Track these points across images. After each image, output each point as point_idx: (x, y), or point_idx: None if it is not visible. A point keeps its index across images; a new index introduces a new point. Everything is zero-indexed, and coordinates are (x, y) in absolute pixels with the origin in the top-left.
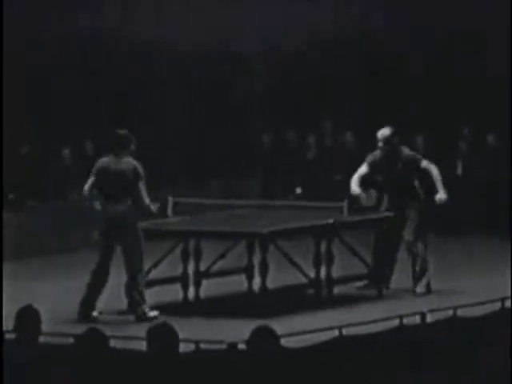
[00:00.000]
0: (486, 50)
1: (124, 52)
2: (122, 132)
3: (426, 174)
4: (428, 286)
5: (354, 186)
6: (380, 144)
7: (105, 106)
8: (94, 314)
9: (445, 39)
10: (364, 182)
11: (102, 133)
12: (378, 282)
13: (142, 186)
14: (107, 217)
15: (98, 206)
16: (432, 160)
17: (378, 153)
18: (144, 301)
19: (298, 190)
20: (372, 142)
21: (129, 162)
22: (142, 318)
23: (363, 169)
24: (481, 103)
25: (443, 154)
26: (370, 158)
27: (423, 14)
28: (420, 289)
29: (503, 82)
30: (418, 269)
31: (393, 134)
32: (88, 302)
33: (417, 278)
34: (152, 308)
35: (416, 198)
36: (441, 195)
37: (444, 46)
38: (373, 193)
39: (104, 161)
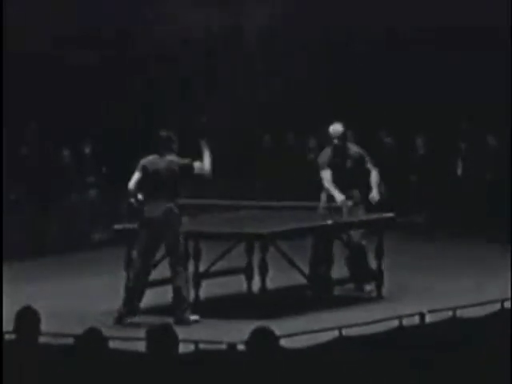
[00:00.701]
0: (486, 50)
1: (124, 52)
2: (165, 133)
3: (367, 174)
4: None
5: (337, 194)
6: (335, 141)
7: (106, 106)
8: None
9: (444, 39)
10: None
11: (101, 132)
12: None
13: (192, 165)
14: (151, 215)
15: (140, 203)
16: (432, 160)
17: (328, 150)
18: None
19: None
20: (372, 142)
21: (172, 160)
22: (181, 319)
23: (327, 171)
24: (481, 103)
25: (443, 154)
26: (323, 158)
27: (423, 13)
28: (367, 287)
29: (503, 82)
30: (363, 268)
31: (345, 130)
32: (131, 304)
33: (363, 278)
34: (152, 308)
35: (362, 196)
36: (373, 195)
37: (444, 46)
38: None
39: (149, 159)
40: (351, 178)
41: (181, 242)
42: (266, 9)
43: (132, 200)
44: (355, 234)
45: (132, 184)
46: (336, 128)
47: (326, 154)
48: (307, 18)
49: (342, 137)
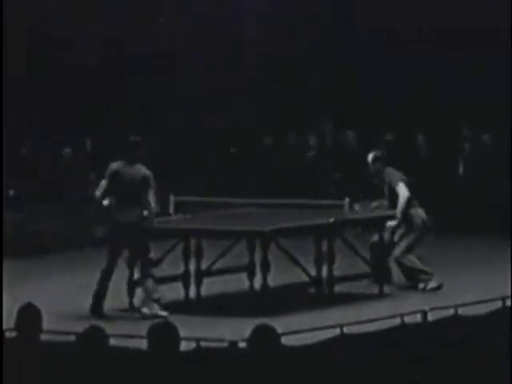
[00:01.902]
0: (485, 50)
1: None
2: (133, 139)
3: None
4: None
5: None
6: (371, 169)
7: (106, 106)
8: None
9: (444, 39)
10: None
11: (101, 133)
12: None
13: (151, 194)
14: (117, 222)
15: (106, 210)
16: (432, 160)
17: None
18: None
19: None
20: (372, 142)
21: (140, 168)
22: (146, 315)
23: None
24: (481, 103)
25: (443, 153)
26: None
27: (423, 12)
28: (430, 284)
29: (503, 82)
30: (412, 274)
31: (375, 158)
32: (97, 299)
33: (420, 279)
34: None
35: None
36: (390, 222)
37: (444, 45)
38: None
39: (116, 166)
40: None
41: (146, 244)
42: (265, 8)
43: (97, 208)
44: (396, 249)
45: (99, 192)
46: (370, 156)
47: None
48: (307, 18)
49: (376, 164)
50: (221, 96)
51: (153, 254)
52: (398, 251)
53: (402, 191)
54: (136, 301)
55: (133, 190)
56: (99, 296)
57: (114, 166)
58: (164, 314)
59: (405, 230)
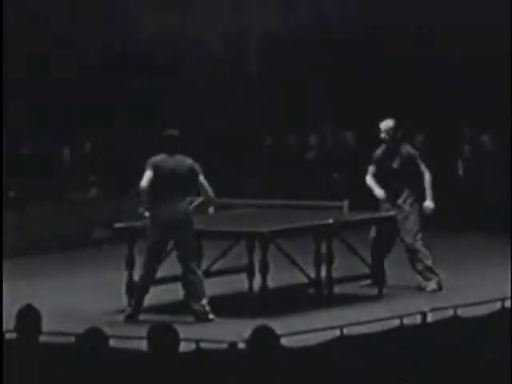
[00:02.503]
0: (485, 50)
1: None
2: (172, 132)
3: (419, 176)
4: (439, 282)
5: (377, 189)
6: (382, 135)
7: (105, 106)
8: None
9: (444, 39)
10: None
11: (101, 133)
12: (378, 280)
13: (204, 180)
14: (164, 215)
15: (147, 203)
16: (432, 160)
17: (380, 148)
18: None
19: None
20: (372, 142)
21: (184, 159)
22: (199, 313)
23: (371, 168)
24: (481, 103)
25: (443, 153)
26: (374, 155)
27: (422, 12)
28: (430, 286)
29: (503, 82)
30: (420, 267)
31: (395, 127)
32: (139, 304)
33: (424, 276)
34: (153, 306)
35: (411, 196)
36: (428, 204)
37: (443, 45)
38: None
39: (159, 159)
40: (399, 179)
41: (192, 240)
42: (268, 12)
43: (141, 208)
44: (407, 237)
45: (145, 182)
46: (385, 122)
47: (378, 150)
48: (307, 18)
49: (389, 133)
50: (221, 96)
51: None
52: (410, 238)
53: (427, 172)
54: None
55: (178, 181)
56: (140, 300)
57: (155, 159)
58: (212, 316)
59: (418, 214)
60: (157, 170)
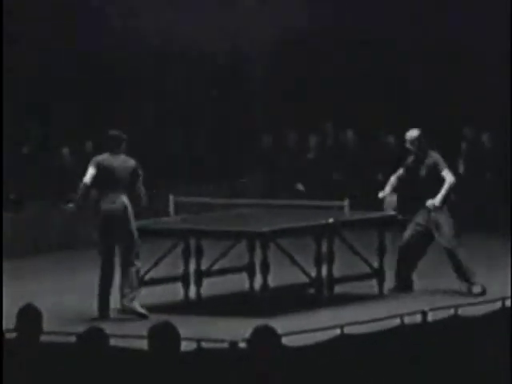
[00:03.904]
0: (485, 50)
1: (124, 52)
2: (115, 132)
3: (441, 181)
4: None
5: (386, 188)
6: (407, 145)
7: (105, 106)
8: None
9: (444, 39)
10: (399, 184)
11: (101, 132)
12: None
13: (141, 182)
14: (104, 211)
15: (87, 200)
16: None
17: (411, 157)
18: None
19: (300, 187)
20: (372, 142)
21: (126, 159)
22: (128, 310)
23: (400, 171)
24: (481, 103)
25: (443, 153)
26: (406, 162)
27: (422, 12)
28: (476, 289)
29: (503, 82)
30: (463, 271)
31: (419, 137)
32: (103, 300)
33: (467, 280)
34: (154, 306)
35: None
36: (433, 201)
37: (443, 45)
38: (393, 197)
39: (102, 158)
40: (427, 187)
41: (136, 234)
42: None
43: (75, 200)
44: (441, 239)
45: (88, 179)
46: (409, 133)
47: (410, 158)
48: (307, 18)
49: (415, 142)
50: (221, 96)
51: (139, 249)
52: (448, 242)
53: (450, 176)
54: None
55: (119, 179)
56: (104, 296)
57: (99, 157)
58: (144, 312)
59: (449, 216)
60: (99, 167)
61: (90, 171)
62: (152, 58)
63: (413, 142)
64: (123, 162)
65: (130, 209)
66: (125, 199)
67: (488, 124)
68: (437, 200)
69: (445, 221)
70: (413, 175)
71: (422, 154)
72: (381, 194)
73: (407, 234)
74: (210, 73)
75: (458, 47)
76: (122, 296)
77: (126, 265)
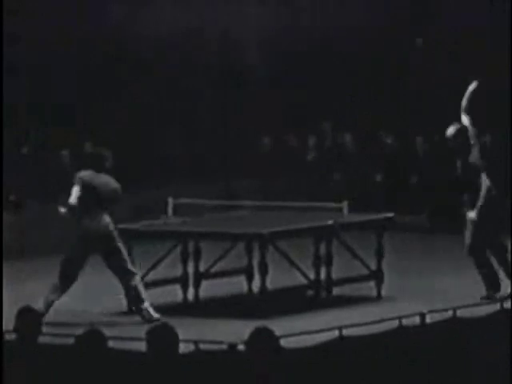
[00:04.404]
0: (486, 50)
1: (122, 52)
2: (101, 150)
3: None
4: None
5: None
6: (449, 143)
7: (105, 106)
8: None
9: (444, 39)
10: None
11: (101, 133)
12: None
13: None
14: (89, 229)
15: (77, 217)
16: (432, 160)
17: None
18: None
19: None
20: (372, 142)
21: (109, 180)
22: (146, 316)
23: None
24: (481, 103)
25: (443, 153)
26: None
27: (421, 12)
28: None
29: (503, 82)
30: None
31: (456, 133)
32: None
33: (486, 284)
34: (153, 308)
35: (477, 202)
36: (472, 214)
37: (444, 45)
38: None
39: (86, 174)
40: (464, 185)
41: (123, 249)
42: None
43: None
44: (466, 239)
45: (74, 199)
46: (448, 130)
47: None
48: (307, 19)
49: (452, 139)
50: (221, 96)
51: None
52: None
53: (486, 182)
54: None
55: (102, 199)
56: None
57: (83, 174)
58: (157, 316)
59: (487, 223)
60: (83, 185)
61: (76, 190)
62: (151, 57)
63: (450, 139)
64: (106, 182)
65: (112, 226)
66: (107, 218)
67: (488, 124)
68: (474, 213)
69: (477, 222)
70: (455, 171)
71: (462, 149)
72: None
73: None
74: (210, 73)
75: (458, 47)
76: (140, 311)
77: (127, 278)
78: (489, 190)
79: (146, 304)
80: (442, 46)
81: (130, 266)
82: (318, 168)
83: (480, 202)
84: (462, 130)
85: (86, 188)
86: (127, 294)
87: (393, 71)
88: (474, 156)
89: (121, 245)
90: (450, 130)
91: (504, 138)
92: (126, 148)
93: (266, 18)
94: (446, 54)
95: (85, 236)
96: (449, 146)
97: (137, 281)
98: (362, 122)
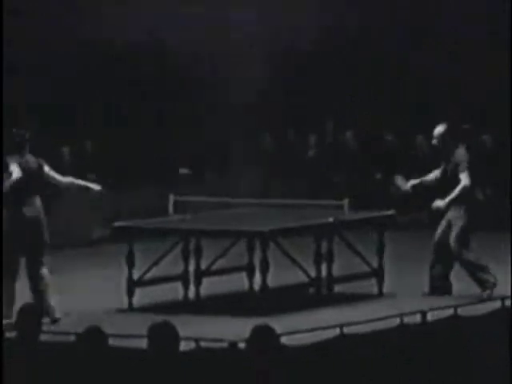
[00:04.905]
0: (485, 50)
1: (120, 53)
2: (18, 130)
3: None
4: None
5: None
6: (433, 141)
7: (105, 106)
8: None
9: (445, 39)
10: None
11: (101, 132)
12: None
13: (50, 170)
14: (22, 216)
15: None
16: (432, 160)
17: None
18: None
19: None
20: (373, 141)
21: (32, 158)
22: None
23: (437, 171)
24: (481, 103)
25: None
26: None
27: (421, 13)
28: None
29: (503, 82)
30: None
31: (443, 132)
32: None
33: (479, 282)
34: (153, 306)
35: (460, 201)
36: (439, 202)
37: (444, 45)
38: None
39: (15, 159)
40: (451, 184)
41: (47, 242)
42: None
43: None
44: (453, 243)
45: (8, 184)
46: (437, 129)
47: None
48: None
49: (440, 138)
50: (221, 96)
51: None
52: (456, 244)
53: (465, 180)
54: (135, 300)
55: (30, 181)
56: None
57: (10, 159)
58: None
59: (466, 222)
60: (13, 170)
61: (6, 176)
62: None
63: (438, 138)
64: (32, 161)
65: (42, 212)
66: (39, 204)
67: (488, 124)
68: (442, 201)
69: (459, 222)
70: (443, 171)
71: (447, 150)
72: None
73: (438, 232)
74: (208, 72)
75: (458, 47)
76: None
77: (40, 267)
78: (464, 188)
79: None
80: (442, 45)
81: (42, 257)
82: (318, 166)
83: (452, 196)
84: (450, 130)
85: (14, 173)
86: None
87: (393, 71)
88: (460, 155)
89: (43, 234)
90: (439, 129)
91: (504, 138)
92: (125, 148)
93: (266, 17)
94: (446, 54)
95: (17, 223)
96: (433, 144)
97: (45, 273)
98: (363, 121)
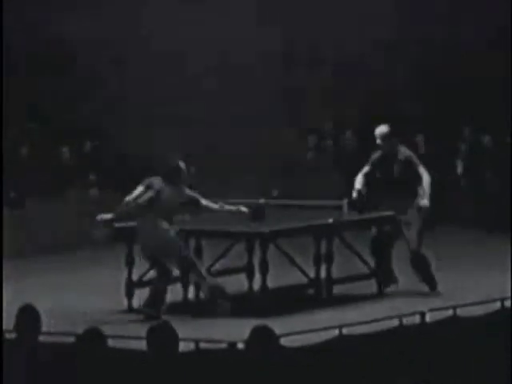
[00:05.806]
0: (485, 49)
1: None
2: (174, 163)
3: (419, 178)
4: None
5: (356, 185)
6: (378, 141)
7: (105, 106)
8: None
9: (445, 39)
10: (368, 180)
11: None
12: (385, 279)
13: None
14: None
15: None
16: (432, 160)
17: (377, 152)
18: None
19: (275, 193)
20: (372, 142)
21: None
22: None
23: (366, 168)
24: (481, 103)
25: (443, 153)
26: (372, 156)
27: (421, 13)
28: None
29: (503, 82)
30: (426, 272)
31: (390, 132)
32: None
33: (429, 280)
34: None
35: (413, 199)
36: (424, 202)
37: (444, 46)
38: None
39: (158, 183)
40: (401, 184)
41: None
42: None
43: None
44: (411, 243)
45: (130, 199)
46: (380, 129)
47: (376, 153)
48: (308, 19)
49: (385, 138)
50: (221, 96)
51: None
52: (414, 243)
53: (426, 174)
54: (135, 301)
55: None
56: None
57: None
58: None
59: (423, 219)
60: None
61: (138, 191)
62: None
63: (384, 137)
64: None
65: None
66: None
67: (488, 124)
68: (426, 200)
69: (417, 222)
70: (384, 173)
71: (392, 150)
72: (354, 194)
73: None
74: (208, 72)
75: (458, 46)
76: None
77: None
78: (431, 181)
79: None
80: (441, 45)
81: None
82: (317, 166)
83: (427, 191)
84: (393, 131)
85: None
86: None
87: (397, 71)
88: (406, 151)
89: None
90: (382, 129)
91: (504, 138)
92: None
93: (266, 17)
94: (445, 54)
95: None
96: (377, 143)
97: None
98: (363, 120)
